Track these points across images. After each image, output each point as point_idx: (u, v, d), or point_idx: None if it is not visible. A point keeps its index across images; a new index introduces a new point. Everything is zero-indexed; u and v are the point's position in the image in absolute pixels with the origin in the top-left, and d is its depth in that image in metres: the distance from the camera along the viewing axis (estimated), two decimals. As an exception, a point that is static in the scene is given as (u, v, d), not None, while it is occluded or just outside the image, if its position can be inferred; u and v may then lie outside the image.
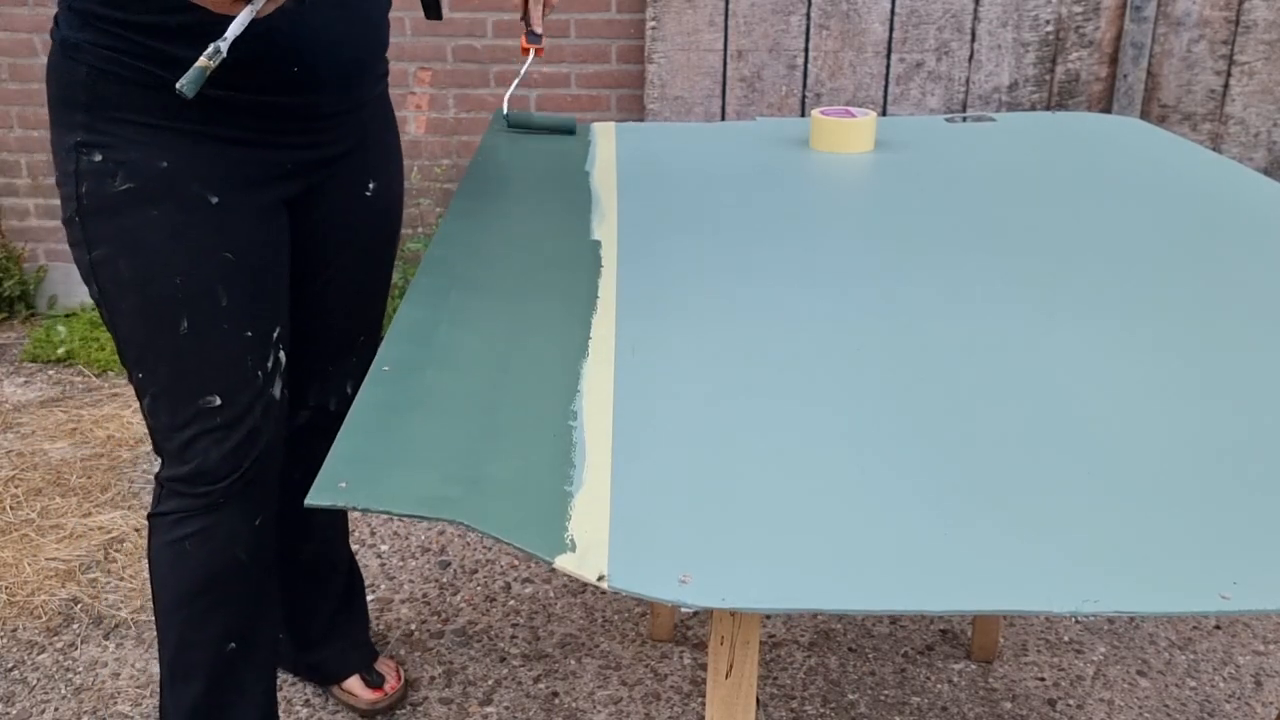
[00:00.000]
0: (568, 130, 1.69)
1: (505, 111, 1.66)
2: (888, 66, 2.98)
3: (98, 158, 1.16)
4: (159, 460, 1.32)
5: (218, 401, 1.25)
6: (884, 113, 3.02)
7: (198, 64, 0.96)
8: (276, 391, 1.31)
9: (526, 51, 1.56)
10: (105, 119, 1.15)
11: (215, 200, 1.20)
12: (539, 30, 1.53)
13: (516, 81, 1.88)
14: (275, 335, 1.29)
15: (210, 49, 0.97)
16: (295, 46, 1.17)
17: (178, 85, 0.95)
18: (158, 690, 1.78)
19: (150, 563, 1.35)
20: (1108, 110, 3.01)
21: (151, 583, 1.36)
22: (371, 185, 1.40)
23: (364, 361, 1.51)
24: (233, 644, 1.37)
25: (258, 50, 1.14)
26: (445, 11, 3.00)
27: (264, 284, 1.27)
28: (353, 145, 1.35)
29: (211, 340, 1.23)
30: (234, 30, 0.99)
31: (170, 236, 1.18)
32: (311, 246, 1.38)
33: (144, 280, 1.19)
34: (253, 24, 1.04)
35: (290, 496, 1.54)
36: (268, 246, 1.27)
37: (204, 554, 1.31)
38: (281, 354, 1.31)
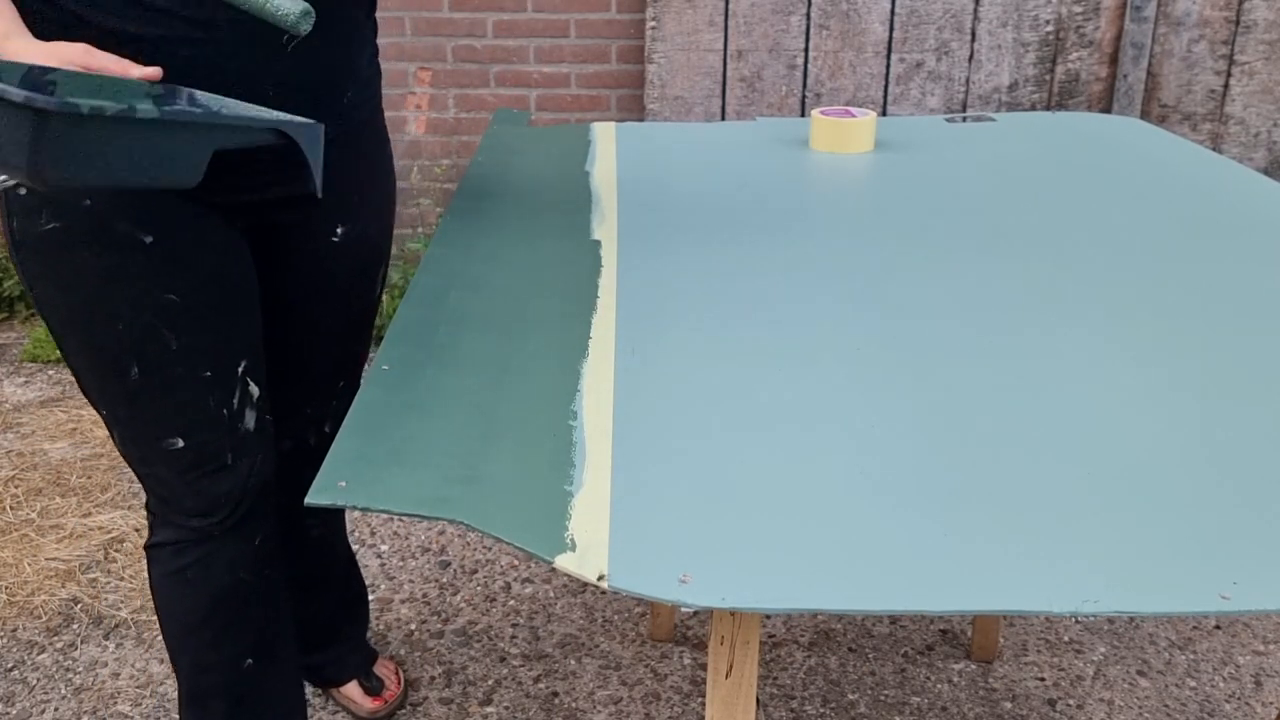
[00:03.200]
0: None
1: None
2: (888, 66, 2.97)
3: (23, 190, 1.10)
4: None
5: (180, 443, 1.19)
6: (884, 113, 3.02)
7: None
8: (250, 423, 1.25)
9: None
10: None
11: (149, 240, 1.11)
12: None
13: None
14: (241, 369, 1.22)
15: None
16: (210, 92, 1.07)
17: None
18: (159, 692, 1.78)
19: (153, 592, 1.31)
20: (1108, 110, 3.01)
21: (157, 610, 1.32)
22: (340, 229, 1.29)
23: (343, 405, 1.45)
24: (250, 660, 1.34)
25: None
26: (447, 10, 3.00)
27: (221, 321, 1.19)
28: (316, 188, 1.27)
29: (165, 385, 1.17)
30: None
31: (105, 280, 1.11)
32: (275, 289, 1.30)
33: (84, 324, 1.13)
34: (166, 64, 1.00)
35: (284, 518, 1.51)
36: (221, 282, 1.18)
37: (206, 581, 1.28)
38: (252, 386, 1.24)
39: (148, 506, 1.28)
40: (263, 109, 0.96)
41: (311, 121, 0.95)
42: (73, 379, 2.87)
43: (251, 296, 1.24)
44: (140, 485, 2.37)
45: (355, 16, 1.19)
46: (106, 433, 2.58)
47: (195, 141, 0.87)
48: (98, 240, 1.10)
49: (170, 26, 1.03)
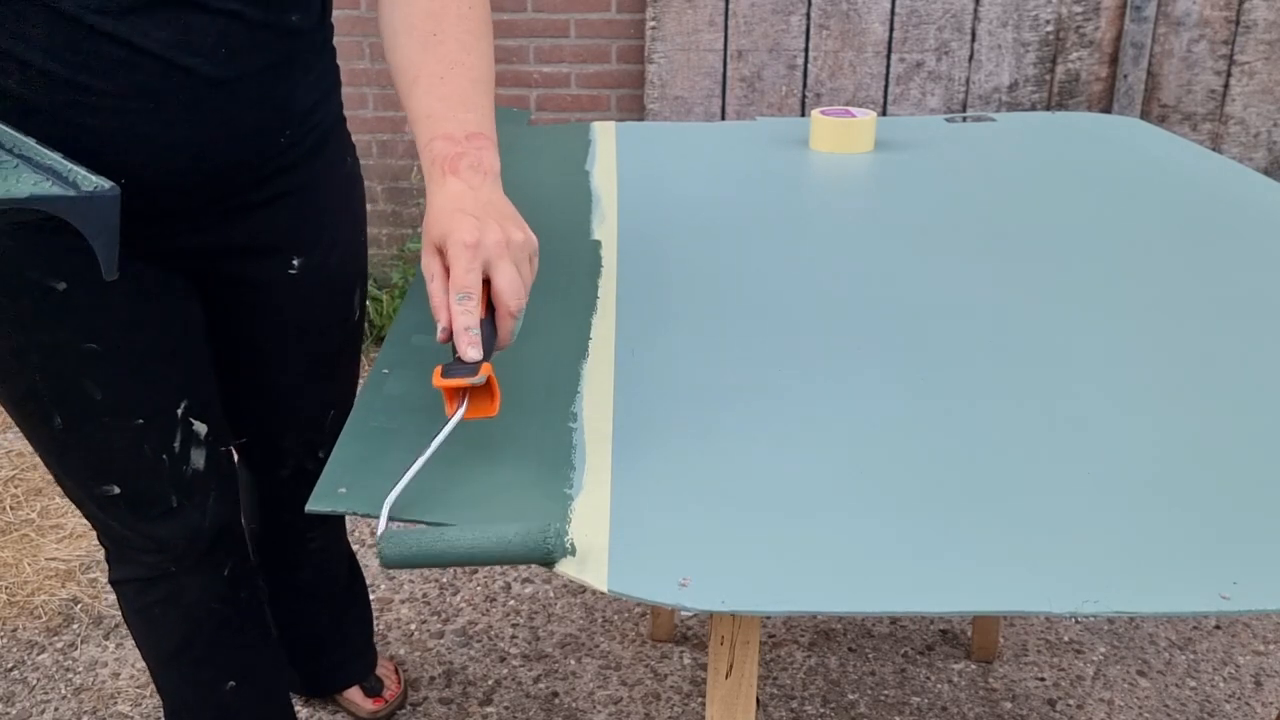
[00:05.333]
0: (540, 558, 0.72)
1: (380, 542, 0.73)
2: (888, 66, 2.97)
3: None
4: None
5: (117, 490, 1.13)
6: (884, 113, 3.02)
7: None
8: (199, 463, 1.17)
9: (456, 400, 0.80)
10: None
11: (62, 287, 1.02)
12: (474, 355, 0.80)
13: (432, 448, 0.79)
14: (181, 411, 1.14)
15: None
16: (119, 157, 0.96)
17: None
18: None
19: (127, 625, 1.29)
20: (1108, 110, 3.01)
21: (135, 641, 1.30)
22: (296, 262, 1.19)
23: (336, 429, 1.37)
24: (232, 682, 1.33)
25: (78, 156, 0.93)
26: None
27: (152, 366, 1.11)
28: (259, 228, 1.14)
29: (92, 435, 1.09)
30: None
31: (14, 330, 1.03)
32: (234, 327, 1.22)
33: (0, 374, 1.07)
34: (64, 131, 0.91)
35: (282, 535, 1.50)
36: (151, 326, 1.10)
37: (175, 616, 1.25)
38: (197, 425, 1.16)
39: (100, 542, 1.24)
40: (58, 158, 0.84)
41: (106, 187, 0.82)
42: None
43: (191, 334, 1.16)
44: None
45: (289, 58, 1.06)
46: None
47: None
48: (5, 288, 1.02)
49: (59, 92, 0.93)
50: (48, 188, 0.81)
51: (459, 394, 0.80)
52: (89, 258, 1.01)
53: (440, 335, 0.82)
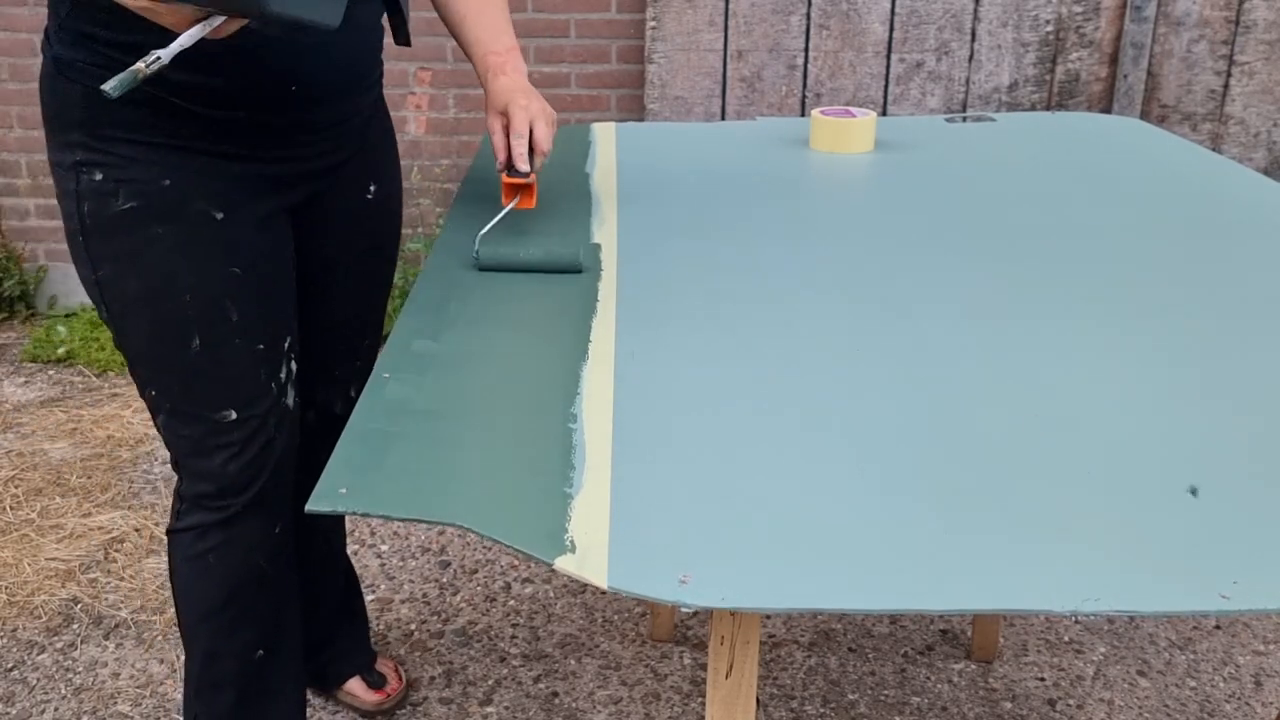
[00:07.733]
0: (571, 268, 1.19)
1: (477, 250, 1.20)
2: (888, 66, 2.98)
3: (98, 176, 1.14)
4: (177, 476, 1.31)
5: (233, 415, 1.24)
6: (884, 113, 3.02)
7: (132, 67, 0.93)
8: (290, 400, 1.31)
9: (511, 194, 1.27)
10: (104, 138, 1.13)
11: (220, 216, 1.19)
12: (525, 167, 1.25)
13: (496, 220, 1.26)
14: (286, 345, 1.29)
15: (150, 55, 0.93)
16: (291, 64, 1.16)
17: (104, 86, 0.92)
18: (159, 693, 1.78)
19: (173, 577, 1.34)
20: (1108, 110, 3.01)
21: (175, 597, 1.35)
22: (373, 188, 1.39)
23: (367, 365, 1.50)
24: (261, 651, 1.37)
25: (254, 70, 1.13)
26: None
27: (273, 296, 1.27)
28: (353, 152, 1.34)
29: (224, 356, 1.22)
30: (181, 43, 0.95)
31: (176, 254, 1.17)
32: (315, 252, 1.37)
33: (152, 298, 1.18)
34: (245, 43, 1.03)
35: (297, 501, 1.52)
36: (274, 258, 1.27)
37: (226, 566, 1.31)
38: (293, 363, 1.31)
39: (178, 491, 1.31)
40: None
41: None
42: (73, 379, 2.87)
43: (292, 277, 1.32)
44: (139, 483, 2.37)
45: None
46: (106, 433, 2.58)
47: None
48: (174, 216, 1.17)
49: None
50: None
51: (514, 190, 1.25)
52: (238, 190, 1.20)
53: (499, 166, 1.25)
